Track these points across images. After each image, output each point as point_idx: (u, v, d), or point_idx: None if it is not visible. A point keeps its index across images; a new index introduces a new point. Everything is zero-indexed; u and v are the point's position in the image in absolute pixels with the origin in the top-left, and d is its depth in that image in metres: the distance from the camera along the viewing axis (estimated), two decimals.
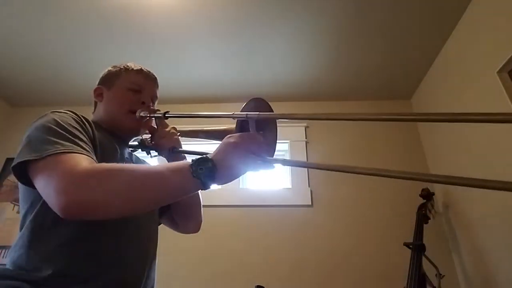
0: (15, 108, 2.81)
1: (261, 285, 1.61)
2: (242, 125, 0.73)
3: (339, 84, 2.50)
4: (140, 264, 0.81)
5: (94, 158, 0.70)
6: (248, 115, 0.68)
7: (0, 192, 2.44)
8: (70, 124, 0.73)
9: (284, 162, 0.71)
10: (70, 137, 0.69)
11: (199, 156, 0.63)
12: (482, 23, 1.75)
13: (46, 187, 0.62)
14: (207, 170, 0.60)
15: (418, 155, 2.38)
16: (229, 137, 0.65)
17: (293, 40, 2.12)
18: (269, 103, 0.75)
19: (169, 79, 2.40)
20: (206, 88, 2.57)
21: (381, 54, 2.21)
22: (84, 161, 0.64)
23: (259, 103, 0.73)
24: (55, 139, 0.67)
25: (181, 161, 0.65)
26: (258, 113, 0.69)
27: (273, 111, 0.75)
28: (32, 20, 1.98)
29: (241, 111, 0.68)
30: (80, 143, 0.69)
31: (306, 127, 2.53)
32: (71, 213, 0.59)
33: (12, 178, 2.46)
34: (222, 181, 0.62)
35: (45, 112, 0.76)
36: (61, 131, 0.69)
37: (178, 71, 2.39)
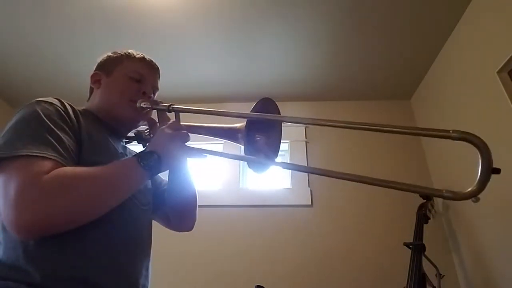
0: (15, 108, 2.81)
1: (261, 285, 1.61)
2: (251, 124, 0.79)
3: (339, 84, 2.50)
4: (135, 263, 0.76)
5: (68, 160, 0.66)
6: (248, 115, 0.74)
7: None
8: (53, 120, 0.68)
9: (211, 153, 0.81)
10: (48, 136, 0.65)
11: (141, 151, 0.72)
12: (482, 23, 1.75)
13: (2, 188, 0.59)
14: (154, 161, 0.70)
15: (418, 155, 2.39)
16: (162, 129, 0.77)
17: (293, 41, 2.12)
18: None
19: (170, 79, 2.40)
20: (207, 88, 2.57)
21: (381, 54, 2.21)
22: (48, 168, 0.60)
23: (267, 102, 0.79)
24: (29, 139, 0.63)
25: (127, 158, 0.72)
26: (258, 114, 0.76)
27: (279, 112, 0.82)
28: (32, 20, 1.98)
29: (250, 111, 0.74)
30: (56, 144, 0.65)
31: (306, 127, 2.53)
32: (24, 235, 0.59)
33: None
34: (166, 169, 0.74)
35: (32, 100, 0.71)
36: (40, 128, 0.65)
37: (178, 71, 2.39)
